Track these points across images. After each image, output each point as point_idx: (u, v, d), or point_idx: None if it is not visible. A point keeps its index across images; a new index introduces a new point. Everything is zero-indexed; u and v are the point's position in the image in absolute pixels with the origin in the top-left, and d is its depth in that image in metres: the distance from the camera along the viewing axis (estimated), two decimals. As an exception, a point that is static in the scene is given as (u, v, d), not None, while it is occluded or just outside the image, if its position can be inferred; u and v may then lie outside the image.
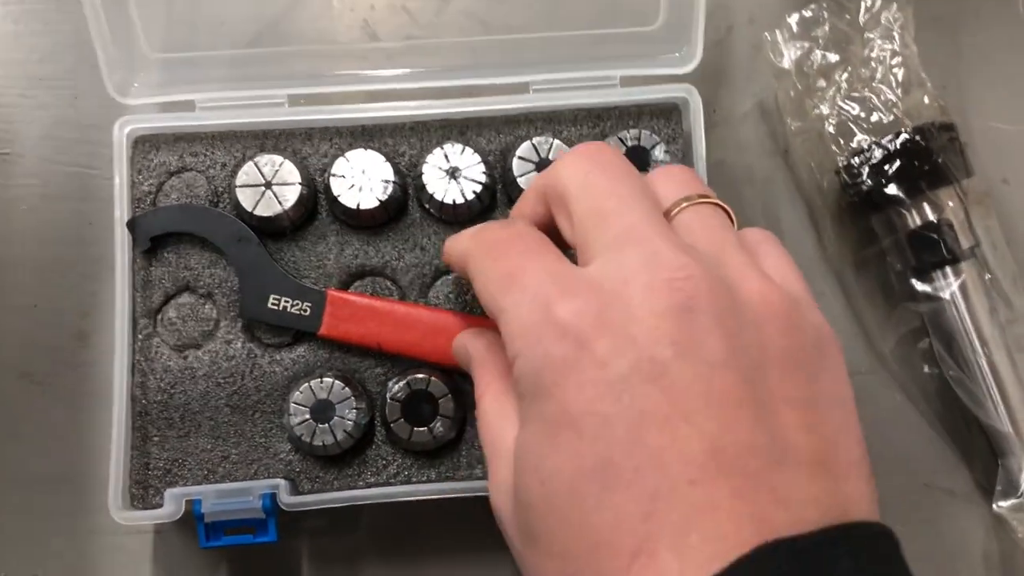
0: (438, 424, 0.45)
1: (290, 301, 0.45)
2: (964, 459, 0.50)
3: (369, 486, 0.46)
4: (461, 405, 0.46)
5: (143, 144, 0.49)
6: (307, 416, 0.45)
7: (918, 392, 0.50)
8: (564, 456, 0.28)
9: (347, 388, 0.45)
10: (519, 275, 0.32)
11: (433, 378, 0.45)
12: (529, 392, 0.30)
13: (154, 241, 0.47)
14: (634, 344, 0.28)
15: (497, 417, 0.34)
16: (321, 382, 0.45)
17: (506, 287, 0.32)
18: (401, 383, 0.45)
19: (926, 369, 0.50)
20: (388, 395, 0.45)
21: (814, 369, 0.30)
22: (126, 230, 0.47)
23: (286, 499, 0.45)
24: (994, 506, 0.48)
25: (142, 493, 0.46)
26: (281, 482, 0.45)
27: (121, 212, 0.47)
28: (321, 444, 0.45)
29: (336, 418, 0.45)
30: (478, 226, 0.37)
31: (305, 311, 0.45)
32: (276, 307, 0.45)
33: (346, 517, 0.49)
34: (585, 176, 0.33)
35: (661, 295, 0.29)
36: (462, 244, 0.37)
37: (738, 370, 0.28)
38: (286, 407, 0.45)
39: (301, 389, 0.45)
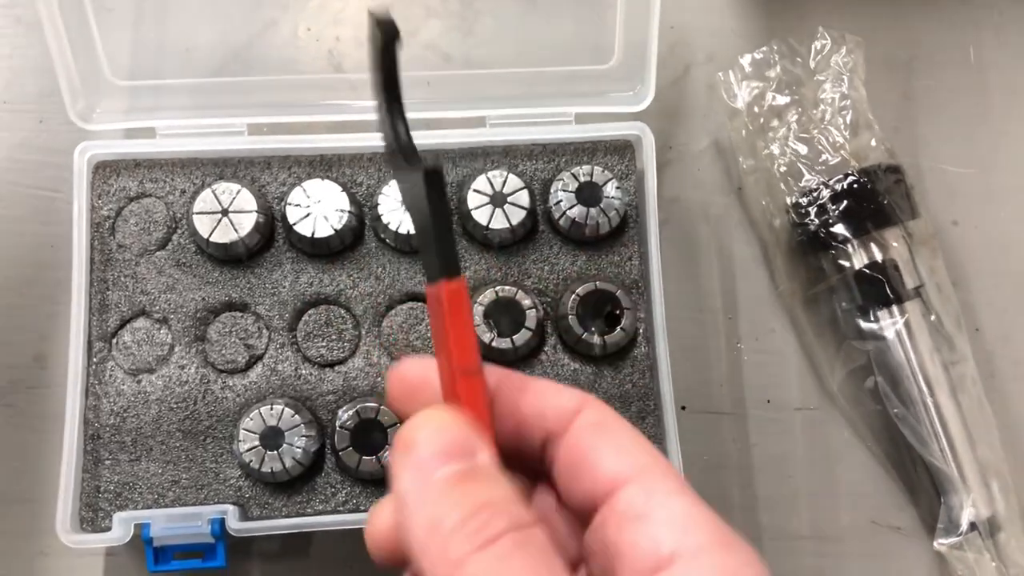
0: (386, 453, 0.45)
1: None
2: (910, 496, 0.51)
3: (318, 513, 0.46)
4: (410, 434, 0.46)
5: (103, 169, 0.49)
6: (256, 443, 0.45)
7: (865, 429, 0.51)
8: None
9: (297, 416, 0.45)
10: None
11: (383, 407, 0.46)
12: None
13: None
14: None
15: None
16: (271, 409, 0.45)
17: None
18: (351, 411, 0.46)
19: (873, 406, 0.51)
20: (338, 423, 0.46)
21: None
22: (83, 253, 0.48)
23: (235, 524, 0.45)
24: (935, 543, 0.48)
25: (92, 516, 0.46)
26: (230, 507, 0.46)
27: (79, 235, 0.48)
28: (270, 471, 0.45)
29: (285, 445, 0.45)
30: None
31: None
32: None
33: (296, 543, 0.49)
34: None
35: None
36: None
37: None
38: (236, 433, 0.46)
39: (251, 416, 0.45)
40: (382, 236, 0.49)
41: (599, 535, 0.27)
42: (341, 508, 0.47)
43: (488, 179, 0.48)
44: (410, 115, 0.50)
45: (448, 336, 0.28)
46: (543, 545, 0.25)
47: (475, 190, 0.48)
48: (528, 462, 0.29)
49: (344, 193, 0.48)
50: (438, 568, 0.24)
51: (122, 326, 0.48)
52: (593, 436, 0.28)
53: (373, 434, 0.46)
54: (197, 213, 0.47)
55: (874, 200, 0.48)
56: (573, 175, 0.49)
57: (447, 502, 0.25)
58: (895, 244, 0.48)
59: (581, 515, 0.28)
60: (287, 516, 0.46)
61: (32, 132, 0.54)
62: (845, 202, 0.48)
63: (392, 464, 0.26)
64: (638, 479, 0.27)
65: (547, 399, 0.29)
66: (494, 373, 0.30)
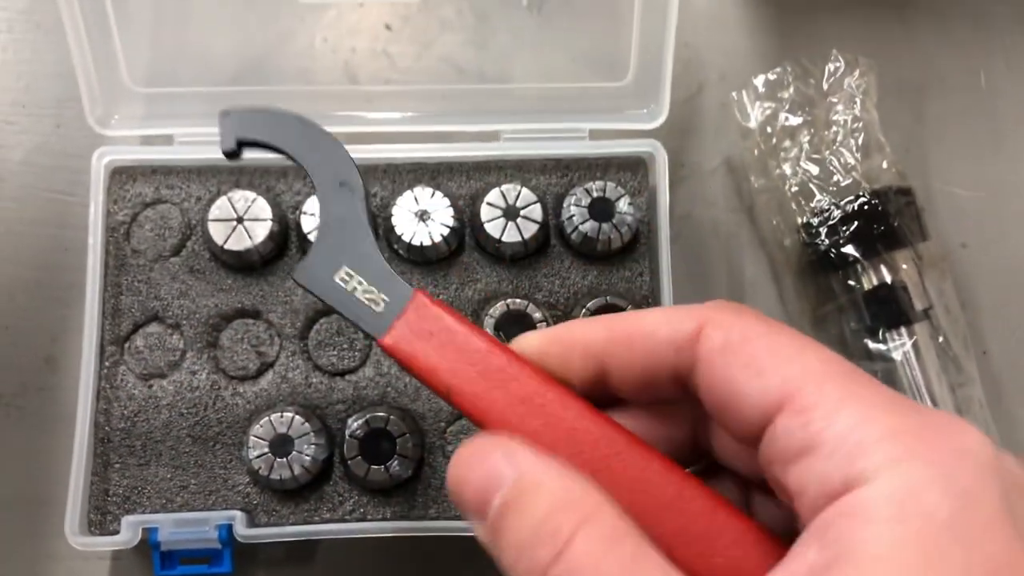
0: (395, 463, 0.46)
1: (363, 284, 0.31)
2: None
3: (325, 521, 0.47)
4: (419, 445, 0.47)
5: (120, 175, 0.50)
6: (266, 450, 0.45)
7: (871, 449, 0.51)
8: None
9: (307, 423, 0.46)
10: (864, 376, 0.24)
11: (392, 417, 0.46)
12: None
13: (242, 144, 0.34)
14: None
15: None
16: (281, 416, 0.46)
17: None
18: (360, 420, 0.46)
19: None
20: (347, 432, 0.46)
21: None
22: (98, 257, 0.48)
23: (242, 531, 0.45)
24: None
25: (100, 519, 0.47)
26: (238, 514, 0.46)
27: (94, 240, 0.48)
28: (278, 478, 0.45)
29: (294, 453, 0.45)
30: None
31: (377, 304, 0.31)
32: (344, 284, 0.31)
33: (302, 551, 0.50)
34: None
35: None
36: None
37: None
38: (246, 440, 0.46)
39: (261, 423, 0.46)
40: (395, 247, 0.49)
41: (768, 472, 0.24)
42: (348, 517, 0.47)
43: (501, 193, 0.49)
44: (426, 128, 0.51)
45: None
46: None
47: (488, 203, 0.49)
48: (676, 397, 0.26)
49: (358, 203, 0.48)
50: None
51: (135, 331, 0.48)
52: (723, 365, 0.24)
53: (382, 444, 0.46)
54: (212, 220, 0.48)
55: (884, 222, 0.48)
56: (586, 190, 0.49)
57: None
58: (904, 266, 0.49)
59: (751, 445, 0.25)
60: (294, 524, 0.47)
61: (49, 136, 0.55)
62: (856, 223, 0.49)
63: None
64: (789, 403, 0.23)
65: (659, 333, 0.26)
66: (595, 323, 0.27)
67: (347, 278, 0.31)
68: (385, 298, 0.31)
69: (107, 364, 0.48)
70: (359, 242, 0.32)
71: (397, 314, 0.30)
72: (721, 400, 0.24)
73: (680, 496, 0.26)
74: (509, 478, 0.24)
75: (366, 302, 0.31)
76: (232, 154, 0.34)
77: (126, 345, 0.48)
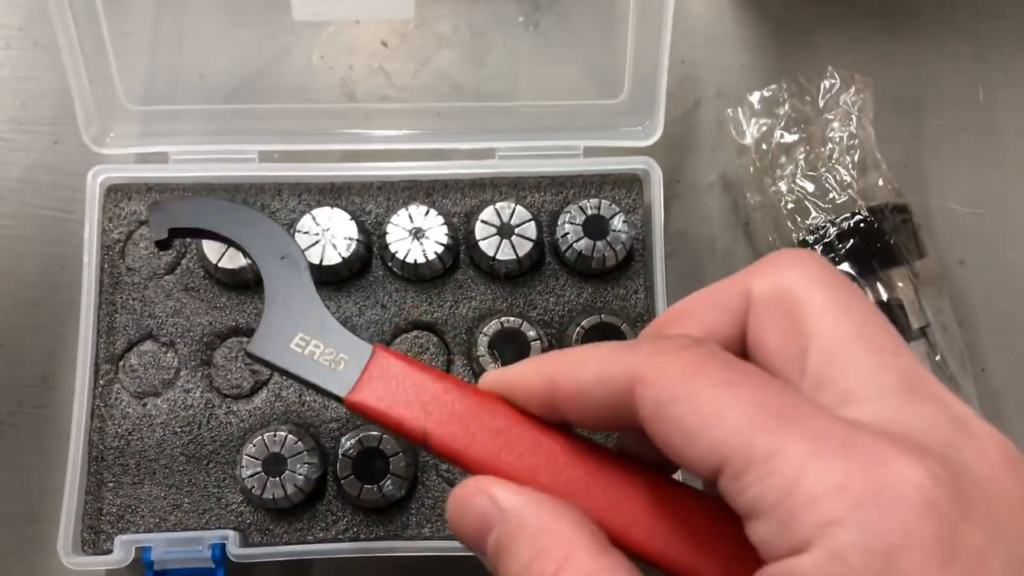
0: (388, 482, 0.45)
1: (321, 347, 0.32)
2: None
3: (318, 541, 0.46)
4: (412, 464, 0.46)
5: (115, 193, 0.50)
6: (259, 469, 0.45)
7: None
8: None
9: (300, 443, 0.45)
10: (792, 411, 0.22)
11: (386, 435, 0.46)
12: None
13: (174, 234, 0.35)
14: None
15: None
16: (274, 435, 0.46)
17: (779, 424, 0.22)
18: (353, 440, 0.46)
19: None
20: (340, 451, 0.46)
21: None
22: (93, 275, 0.48)
23: (235, 550, 0.45)
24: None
25: (93, 538, 0.46)
26: (231, 533, 0.46)
27: (89, 258, 0.48)
28: (271, 497, 0.45)
29: (287, 472, 0.45)
30: (621, 343, 0.26)
31: (338, 364, 0.31)
32: (300, 350, 0.31)
33: (296, 570, 0.49)
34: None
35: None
36: (616, 357, 0.25)
37: None
38: (239, 459, 0.46)
39: (254, 442, 0.46)
40: (389, 264, 0.49)
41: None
42: (342, 536, 0.46)
43: (496, 210, 0.49)
44: (422, 146, 0.51)
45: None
46: None
47: (483, 221, 0.49)
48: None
49: (353, 221, 0.48)
50: None
51: (129, 349, 0.48)
52: (659, 429, 0.24)
53: (375, 463, 0.46)
54: (206, 238, 0.48)
55: (880, 240, 0.48)
56: (580, 208, 0.49)
57: None
58: (901, 284, 0.49)
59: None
60: (287, 543, 0.46)
61: (46, 153, 0.55)
62: (851, 241, 0.48)
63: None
64: (724, 469, 0.22)
65: (594, 394, 0.26)
66: (540, 376, 0.27)
67: (303, 343, 0.31)
68: (345, 357, 0.31)
69: (101, 382, 0.48)
70: (309, 307, 0.32)
71: (360, 371, 0.30)
72: (671, 456, 0.24)
73: (666, 503, 0.27)
74: (496, 520, 0.25)
75: (326, 364, 0.31)
76: (164, 244, 0.35)
77: (120, 363, 0.48)
